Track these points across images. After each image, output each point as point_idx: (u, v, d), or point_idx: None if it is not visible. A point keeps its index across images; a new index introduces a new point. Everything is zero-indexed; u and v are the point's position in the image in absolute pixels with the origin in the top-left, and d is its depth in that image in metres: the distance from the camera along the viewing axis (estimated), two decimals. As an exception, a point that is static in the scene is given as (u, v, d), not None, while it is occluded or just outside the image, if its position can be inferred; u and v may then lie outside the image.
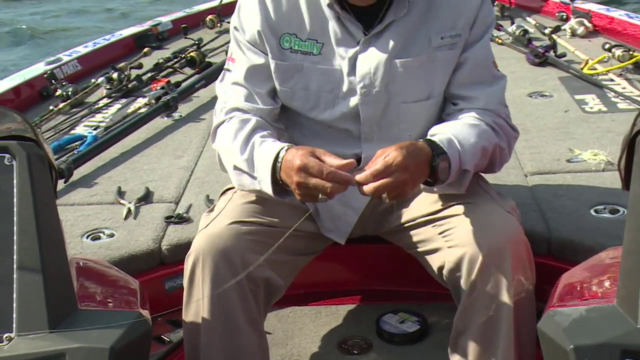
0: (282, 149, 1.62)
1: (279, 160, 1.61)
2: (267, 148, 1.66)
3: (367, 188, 1.53)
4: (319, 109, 1.79)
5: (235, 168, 1.72)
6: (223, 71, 1.84)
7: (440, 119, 1.82)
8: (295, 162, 1.55)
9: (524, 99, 3.06)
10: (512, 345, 1.63)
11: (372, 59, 1.73)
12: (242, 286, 1.66)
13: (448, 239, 1.70)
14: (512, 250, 1.62)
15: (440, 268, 1.72)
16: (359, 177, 1.54)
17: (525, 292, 1.64)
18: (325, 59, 1.75)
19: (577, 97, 3.06)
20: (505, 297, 1.62)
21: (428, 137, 1.69)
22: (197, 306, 1.67)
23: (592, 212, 2.15)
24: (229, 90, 1.80)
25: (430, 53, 1.74)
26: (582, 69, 3.33)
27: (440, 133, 1.68)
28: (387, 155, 1.55)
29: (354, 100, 1.76)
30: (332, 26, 1.73)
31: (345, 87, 1.76)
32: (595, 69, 3.33)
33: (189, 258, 1.68)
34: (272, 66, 1.76)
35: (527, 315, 1.64)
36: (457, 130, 1.68)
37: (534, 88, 3.20)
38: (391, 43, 1.73)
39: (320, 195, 1.54)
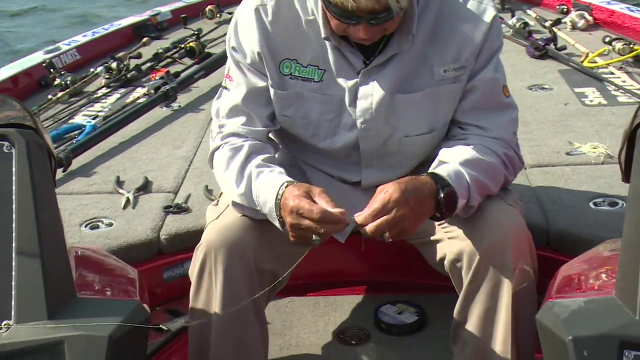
0: (281, 186, 1.57)
1: (279, 197, 1.57)
2: (267, 183, 1.61)
3: (368, 229, 1.51)
4: (318, 137, 1.76)
5: (234, 204, 1.69)
6: (220, 89, 1.78)
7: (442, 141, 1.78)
8: (289, 203, 1.53)
9: (523, 92, 3.06)
10: (511, 336, 1.64)
11: (373, 93, 1.68)
12: (252, 279, 1.66)
13: (449, 230, 1.70)
14: (513, 241, 1.62)
15: (442, 259, 1.72)
16: (358, 219, 1.52)
17: (527, 284, 1.64)
18: (325, 86, 1.70)
19: (577, 90, 3.06)
20: (505, 288, 1.62)
21: (436, 161, 1.66)
22: (206, 298, 1.67)
23: (591, 204, 2.15)
24: (226, 113, 1.74)
25: (433, 87, 1.69)
26: (582, 62, 3.33)
27: (449, 162, 1.63)
28: (385, 192, 1.52)
29: (354, 133, 1.73)
30: (332, 55, 1.67)
31: (346, 119, 1.72)
32: (596, 62, 3.33)
33: (199, 250, 1.67)
34: (272, 93, 1.72)
35: (527, 306, 1.64)
36: (468, 165, 1.62)
37: (534, 81, 3.19)
38: (393, 77, 1.67)
39: (314, 237, 1.51)
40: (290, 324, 2.09)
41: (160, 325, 2.06)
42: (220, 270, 1.64)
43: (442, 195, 1.55)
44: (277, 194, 1.56)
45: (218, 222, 1.70)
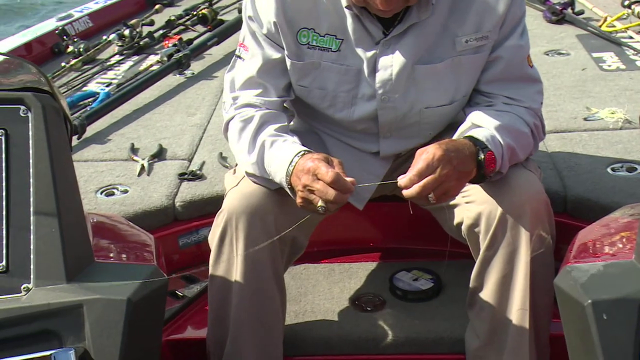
0: (297, 154, 1.56)
1: (292, 164, 1.56)
2: (281, 151, 1.60)
3: (413, 190, 1.49)
4: (335, 108, 1.75)
5: (248, 174, 1.69)
6: (234, 57, 1.76)
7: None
8: (307, 164, 1.52)
9: (540, 57, 3.02)
10: (527, 301, 1.64)
11: (393, 64, 1.66)
12: (274, 246, 1.66)
13: (466, 194, 1.69)
14: (532, 207, 1.61)
15: (459, 224, 1.72)
16: (402, 181, 1.50)
17: (544, 250, 1.63)
18: (343, 56, 1.68)
19: (595, 55, 3.02)
20: (523, 254, 1.62)
21: (468, 122, 1.65)
22: (227, 264, 1.68)
23: (609, 170, 2.13)
24: (241, 84, 1.72)
25: (454, 57, 1.67)
26: (600, 26, 3.28)
27: (483, 127, 1.62)
28: (426, 152, 1.50)
29: (372, 104, 1.71)
30: (351, 24, 1.65)
31: (364, 90, 1.70)
32: (614, 26, 3.28)
33: (220, 216, 1.68)
34: (288, 64, 1.70)
35: (544, 272, 1.64)
36: (502, 131, 1.61)
37: (551, 46, 3.15)
38: (413, 47, 1.65)
39: (319, 204, 1.50)
40: (306, 291, 2.09)
41: (177, 291, 2.08)
42: (242, 237, 1.64)
43: (482, 156, 1.55)
44: (291, 162, 1.56)
45: (239, 188, 1.70)
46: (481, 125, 1.63)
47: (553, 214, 1.68)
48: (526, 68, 1.73)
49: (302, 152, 1.57)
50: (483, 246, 1.66)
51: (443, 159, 1.49)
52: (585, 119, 2.45)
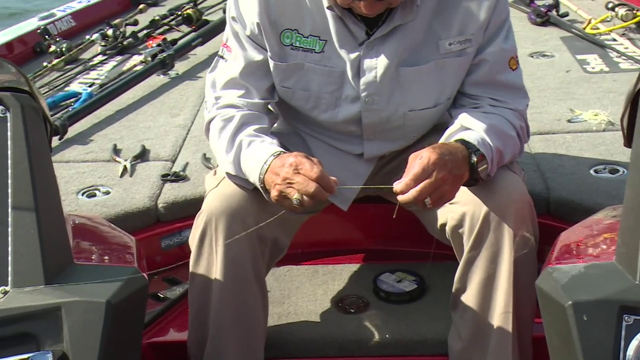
0: (273, 154, 1.56)
1: (267, 163, 1.56)
2: (258, 151, 1.60)
3: (409, 194, 1.48)
4: (319, 109, 1.74)
5: (227, 174, 1.69)
6: (216, 58, 1.76)
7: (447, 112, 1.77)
8: (289, 159, 1.52)
9: (525, 59, 3.03)
10: (511, 302, 1.65)
11: (377, 66, 1.66)
12: (254, 246, 1.67)
13: None
14: (515, 208, 1.62)
15: (443, 225, 1.72)
16: (398, 186, 1.50)
17: (527, 251, 1.64)
18: (326, 57, 1.68)
19: (579, 57, 3.05)
20: (506, 255, 1.62)
21: (457, 125, 1.66)
22: (207, 264, 1.68)
23: (592, 172, 2.15)
24: (223, 85, 1.72)
25: (438, 60, 1.67)
26: (584, 28, 3.31)
27: (473, 129, 1.63)
28: (421, 157, 1.50)
29: (356, 106, 1.71)
30: (334, 25, 1.65)
31: (347, 91, 1.70)
32: (598, 28, 3.31)
33: (200, 217, 1.68)
34: (271, 65, 1.69)
35: (527, 273, 1.65)
36: (491, 134, 1.61)
37: (536, 48, 3.17)
38: (397, 49, 1.65)
39: (295, 197, 1.50)
40: (289, 293, 2.09)
41: (159, 293, 2.08)
42: (222, 238, 1.64)
43: (475, 159, 1.55)
44: (266, 161, 1.56)
45: (219, 189, 1.69)
46: (470, 127, 1.64)
47: (536, 215, 1.69)
48: (511, 70, 1.73)
49: (279, 153, 1.57)
50: (467, 247, 1.67)
51: (438, 162, 1.49)
52: (569, 121, 2.46)
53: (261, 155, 1.58)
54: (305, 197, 1.49)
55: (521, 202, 1.64)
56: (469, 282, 1.69)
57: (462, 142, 1.58)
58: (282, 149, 1.60)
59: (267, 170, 1.55)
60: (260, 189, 1.59)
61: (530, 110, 2.50)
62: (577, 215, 1.90)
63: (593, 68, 2.92)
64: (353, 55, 1.66)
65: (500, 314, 1.66)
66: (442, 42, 1.66)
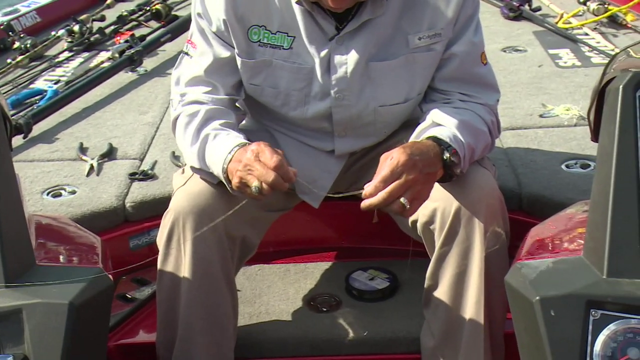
0: (238, 144, 1.56)
1: (232, 153, 1.56)
2: (222, 143, 1.60)
3: (379, 197, 1.48)
4: (288, 106, 1.74)
5: (193, 169, 1.69)
6: (181, 54, 1.76)
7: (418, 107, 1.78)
8: (252, 146, 1.52)
9: (497, 54, 3.06)
10: (483, 299, 1.66)
11: (347, 62, 1.66)
12: (222, 245, 1.66)
13: None
14: (485, 203, 1.63)
15: (414, 222, 1.73)
16: (368, 189, 1.49)
17: (498, 246, 1.65)
18: (295, 54, 1.68)
19: (551, 51, 3.07)
20: (477, 251, 1.64)
21: (428, 120, 1.66)
22: (175, 264, 1.67)
23: (563, 167, 2.17)
24: (188, 82, 1.72)
25: (408, 55, 1.68)
26: (556, 22, 3.34)
27: (444, 125, 1.63)
28: (391, 158, 1.50)
29: (326, 103, 1.71)
30: (302, 20, 1.65)
31: (317, 88, 1.70)
32: (570, 22, 3.34)
33: (167, 216, 1.67)
34: (239, 62, 1.69)
35: (499, 269, 1.66)
36: (463, 130, 1.62)
37: (508, 43, 3.20)
38: (367, 44, 1.66)
39: (254, 185, 1.50)
40: (260, 292, 2.09)
41: (127, 294, 2.06)
42: (190, 237, 1.63)
43: (447, 155, 1.56)
44: (231, 151, 1.56)
45: (186, 188, 1.69)
46: (441, 123, 1.65)
47: (507, 211, 1.71)
48: (481, 65, 1.75)
49: (244, 144, 1.57)
50: (438, 243, 1.68)
51: (407, 163, 1.49)
52: (540, 116, 2.49)
53: (226, 147, 1.58)
54: (264, 186, 1.49)
55: (492, 197, 1.66)
56: (441, 279, 1.71)
57: (434, 139, 1.59)
58: (247, 141, 1.60)
59: (231, 160, 1.56)
60: (223, 180, 1.59)
61: (503, 105, 2.53)
62: (549, 210, 1.91)
63: (565, 62, 2.95)
64: (323, 52, 1.67)
65: (471, 311, 1.67)
66: (411, 36, 1.67)
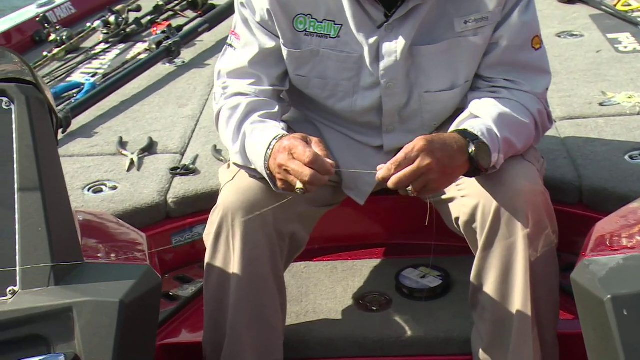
0: (275, 137, 1.56)
1: (270, 148, 1.56)
2: (261, 137, 1.60)
3: (390, 182, 1.49)
4: (336, 97, 1.75)
5: (238, 165, 1.70)
6: (225, 46, 1.77)
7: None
8: (284, 142, 1.52)
9: (552, 40, 3.01)
10: (530, 299, 1.64)
11: (397, 49, 1.66)
12: (272, 242, 1.67)
13: (461, 187, 1.69)
14: (526, 199, 1.60)
15: (457, 219, 1.73)
16: (380, 173, 1.50)
17: (544, 243, 1.63)
18: (343, 42, 1.68)
19: (610, 36, 3.02)
20: (520, 249, 1.62)
21: (467, 112, 1.65)
22: (224, 263, 1.68)
23: (626, 158, 2.14)
24: (232, 74, 1.72)
25: (453, 39, 1.67)
26: (615, 5, 3.28)
27: (480, 117, 1.62)
28: (409, 143, 1.51)
29: (375, 93, 1.71)
30: (350, 7, 1.64)
31: (366, 77, 1.70)
32: (630, 5, 3.28)
33: (215, 212, 1.68)
34: (285, 53, 1.69)
35: (546, 267, 1.64)
36: (500, 122, 1.60)
37: (563, 27, 3.15)
38: (414, 29, 1.65)
39: (298, 185, 1.50)
40: (307, 290, 2.10)
41: (170, 292, 2.09)
42: (239, 234, 1.64)
43: (472, 148, 1.54)
44: (270, 145, 1.56)
45: (234, 183, 1.70)
46: (479, 115, 1.63)
47: (562, 205, 1.68)
48: (530, 50, 1.71)
49: (281, 135, 1.57)
50: (480, 243, 1.67)
51: (424, 149, 1.49)
52: (600, 104, 2.45)
53: (264, 141, 1.59)
54: (305, 185, 1.49)
55: (532, 192, 1.63)
56: (485, 281, 1.70)
57: (463, 132, 1.58)
58: (284, 132, 1.59)
59: (270, 156, 1.56)
60: (267, 178, 1.59)
61: (559, 93, 2.52)
62: (611, 204, 1.89)
63: (625, 47, 2.90)
64: (372, 40, 1.66)
65: (518, 312, 1.66)
66: (457, 20, 1.66)
